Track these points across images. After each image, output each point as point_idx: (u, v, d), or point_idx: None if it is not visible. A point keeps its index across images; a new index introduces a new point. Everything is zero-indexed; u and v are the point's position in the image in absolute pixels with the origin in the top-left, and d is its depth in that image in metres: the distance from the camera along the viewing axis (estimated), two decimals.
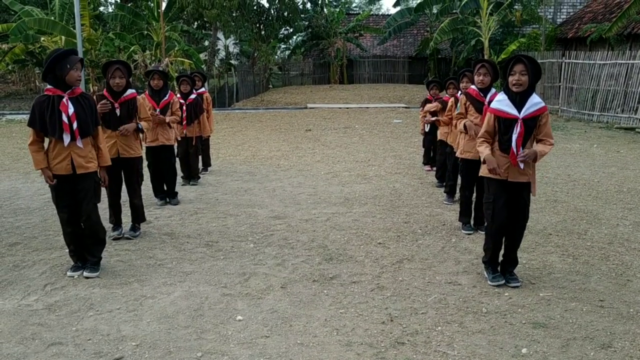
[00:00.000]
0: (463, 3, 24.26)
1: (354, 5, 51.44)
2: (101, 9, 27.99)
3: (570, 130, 14.37)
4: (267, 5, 28.61)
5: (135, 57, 20.35)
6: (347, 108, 20.85)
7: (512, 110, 4.32)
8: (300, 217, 6.51)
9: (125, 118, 5.74)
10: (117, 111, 5.68)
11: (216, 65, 24.43)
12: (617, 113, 15.39)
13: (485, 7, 24.05)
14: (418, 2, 28.60)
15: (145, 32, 23.32)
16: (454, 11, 26.19)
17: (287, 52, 38.00)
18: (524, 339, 3.68)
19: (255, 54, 28.48)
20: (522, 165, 4.36)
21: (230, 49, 31.66)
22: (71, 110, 4.52)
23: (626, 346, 3.59)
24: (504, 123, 4.38)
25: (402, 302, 4.24)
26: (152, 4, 22.97)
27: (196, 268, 4.92)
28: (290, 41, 37.65)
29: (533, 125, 4.34)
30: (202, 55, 24.61)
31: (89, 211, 4.72)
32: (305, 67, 35.87)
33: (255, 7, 26.98)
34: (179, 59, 20.35)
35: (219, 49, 25.56)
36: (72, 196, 4.70)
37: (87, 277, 4.68)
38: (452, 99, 6.85)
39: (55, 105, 4.49)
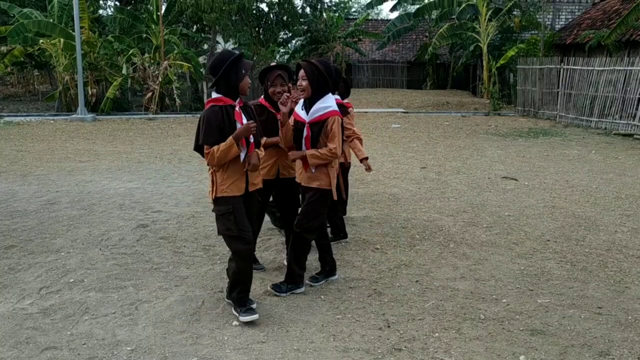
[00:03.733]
0: (461, 9, 24.35)
1: (353, 10, 51.55)
2: (100, 11, 28.01)
3: (568, 136, 14.39)
4: (266, 9, 28.64)
5: (134, 60, 20.34)
6: None
7: (302, 114, 4.35)
8: None
9: None
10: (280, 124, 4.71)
11: None
12: (615, 119, 15.41)
13: (484, 13, 24.15)
14: (417, 7, 28.71)
15: (144, 35, 23.31)
16: (453, 17, 26.29)
17: (286, 56, 38.03)
18: (521, 346, 3.66)
19: (255, 58, 28.50)
20: (313, 170, 4.31)
21: None
22: (245, 121, 3.95)
23: (624, 354, 3.57)
24: (296, 125, 4.39)
25: (399, 308, 4.22)
26: (151, 7, 22.99)
27: (193, 272, 4.89)
28: (290, 45, 37.69)
29: (318, 130, 4.26)
30: (201, 59, 24.62)
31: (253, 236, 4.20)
32: None
33: (254, 11, 26.99)
34: (178, 62, 20.35)
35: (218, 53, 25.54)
36: None
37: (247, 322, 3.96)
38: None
39: (230, 117, 3.91)
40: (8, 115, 19.00)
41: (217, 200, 3.95)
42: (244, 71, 3.89)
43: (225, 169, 3.91)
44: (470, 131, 15.34)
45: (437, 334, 3.81)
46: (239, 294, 4.02)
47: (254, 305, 4.03)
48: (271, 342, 3.70)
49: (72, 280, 4.70)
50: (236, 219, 3.90)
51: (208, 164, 3.95)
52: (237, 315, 3.97)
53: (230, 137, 3.83)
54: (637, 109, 14.77)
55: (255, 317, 3.93)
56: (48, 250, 5.44)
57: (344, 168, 5.87)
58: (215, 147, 3.83)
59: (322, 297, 4.41)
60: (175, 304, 4.25)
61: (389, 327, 3.91)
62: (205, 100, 4.04)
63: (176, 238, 5.86)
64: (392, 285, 4.64)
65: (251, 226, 4.07)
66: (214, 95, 3.95)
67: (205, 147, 3.88)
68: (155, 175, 9.12)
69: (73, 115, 18.21)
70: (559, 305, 4.27)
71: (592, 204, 7.36)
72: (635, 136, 14.11)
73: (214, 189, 3.95)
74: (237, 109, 3.95)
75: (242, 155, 3.92)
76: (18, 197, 7.60)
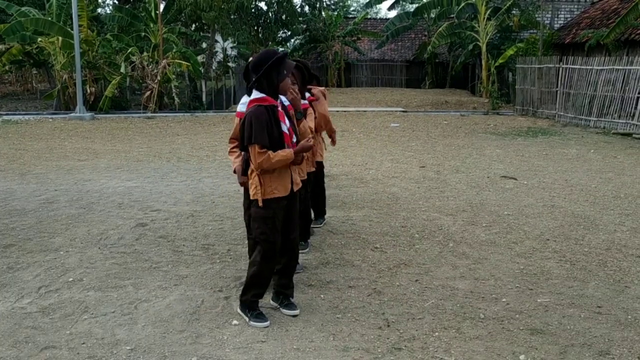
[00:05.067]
0: (460, 7, 24.35)
1: (352, 9, 51.52)
2: (99, 10, 27.95)
3: (567, 135, 14.39)
4: (265, 8, 28.61)
5: (133, 58, 20.30)
6: (345, 111, 20.83)
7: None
8: None
9: None
10: None
11: (214, 68, 24.32)
12: (614, 119, 15.41)
13: (483, 12, 24.15)
14: (416, 6, 28.71)
15: (143, 33, 23.27)
16: (452, 16, 26.30)
17: None
18: (521, 345, 3.66)
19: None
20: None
21: (228, 52, 31.65)
22: (287, 121, 3.93)
23: (624, 353, 3.57)
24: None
25: (399, 307, 4.22)
26: (149, 6, 22.94)
27: (192, 271, 4.89)
28: (288, 44, 37.65)
29: None
30: (199, 58, 24.55)
31: (297, 237, 4.13)
32: None
33: (253, 10, 26.98)
34: (177, 60, 20.32)
35: (216, 52, 25.49)
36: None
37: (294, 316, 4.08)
38: None
39: (276, 117, 3.85)
40: (6, 114, 18.96)
41: (263, 203, 3.87)
42: (285, 72, 3.86)
43: (273, 170, 3.85)
44: (469, 130, 15.33)
45: (437, 333, 3.81)
46: (251, 297, 3.99)
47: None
48: (271, 341, 3.70)
49: (71, 279, 4.69)
50: (274, 226, 3.89)
51: (256, 166, 3.80)
52: (247, 319, 3.94)
53: (291, 151, 3.83)
54: (635, 108, 14.78)
55: (266, 324, 3.89)
56: (47, 249, 5.43)
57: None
58: (272, 153, 3.75)
59: (322, 296, 4.40)
60: (174, 303, 4.25)
61: (388, 326, 3.91)
62: (247, 100, 3.97)
63: (175, 237, 5.86)
64: (391, 285, 4.64)
65: (292, 227, 4.03)
66: (257, 94, 3.86)
67: (255, 147, 3.74)
68: (154, 174, 9.11)
69: (72, 114, 18.17)
70: (558, 305, 4.27)
71: (591, 203, 7.36)
72: (634, 135, 14.12)
73: (262, 191, 3.85)
74: (280, 109, 3.91)
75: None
76: (17, 196, 7.58)
